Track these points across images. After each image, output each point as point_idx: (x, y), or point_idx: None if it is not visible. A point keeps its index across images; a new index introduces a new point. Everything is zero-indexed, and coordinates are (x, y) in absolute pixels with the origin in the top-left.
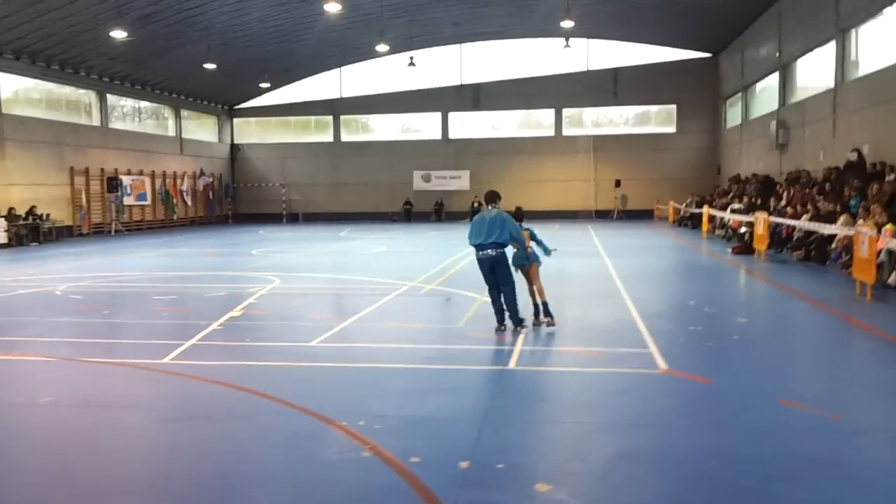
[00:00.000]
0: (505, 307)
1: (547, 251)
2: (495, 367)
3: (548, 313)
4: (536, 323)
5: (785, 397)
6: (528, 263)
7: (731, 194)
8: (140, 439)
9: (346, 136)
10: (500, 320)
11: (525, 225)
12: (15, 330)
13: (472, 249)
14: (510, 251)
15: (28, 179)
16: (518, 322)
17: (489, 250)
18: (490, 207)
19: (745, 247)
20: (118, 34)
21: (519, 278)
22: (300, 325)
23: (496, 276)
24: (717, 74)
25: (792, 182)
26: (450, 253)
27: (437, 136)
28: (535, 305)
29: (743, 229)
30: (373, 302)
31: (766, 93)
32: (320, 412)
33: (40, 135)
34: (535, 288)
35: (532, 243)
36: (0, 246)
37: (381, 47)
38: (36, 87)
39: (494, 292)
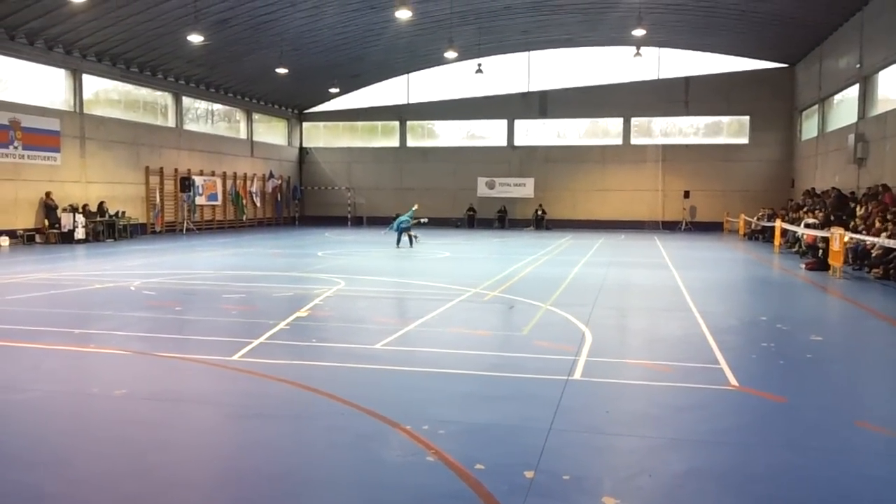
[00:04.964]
0: (409, 236)
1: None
2: (560, 376)
3: (414, 240)
4: (410, 245)
5: (863, 419)
6: (407, 227)
7: (805, 208)
8: (209, 434)
9: (411, 142)
10: (398, 243)
11: (406, 217)
12: (92, 323)
13: (533, 259)
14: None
15: (106, 178)
16: (411, 240)
17: (407, 225)
18: (400, 215)
19: (819, 263)
20: (195, 38)
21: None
22: (365, 327)
23: (408, 231)
24: (792, 85)
25: (871, 197)
26: (513, 260)
27: (503, 142)
28: (409, 238)
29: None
30: (436, 307)
31: (845, 105)
32: (385, 415)
33: (118, 134)
34: (409, 235)
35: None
36: (77, 241)
37: (450, 54)
38: (115, 88)
39: (400, 235)
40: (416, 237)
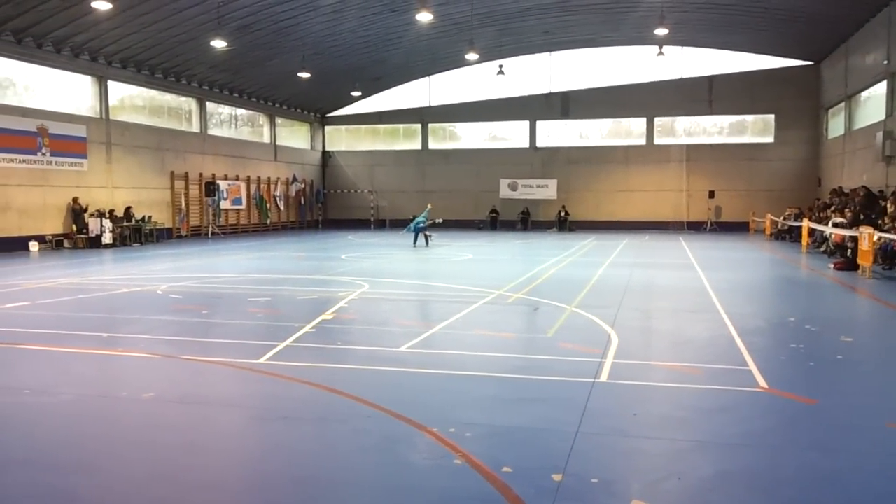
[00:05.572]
0: (424, 235)
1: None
2: (587, 379)
3: (429, 239)
4: (426, 245)
5: (894, 421)
6: (423, 227)
7: (832, 207)
8: (236, 437)
9: (433, 144)
10: (415, 243)
11: (422, 218)
12: (120, 327)
13: (557, 260)
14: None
15: (132, 183)
16: (427, 240)
17: (423, 225)
18: (416, 216)
19: (848, 262)
20: (218, 44)
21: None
22: (389, 330)
23: (423, 231)
24: (818, 83)
25: None
26: (537, 262)
27: (525, 144)
28: (425, 237)
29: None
30: (460, 309)
31: (872, 102)
32: (411, 418)
33: (143, 140)
34: (424, 234)
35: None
36: (105, 246)
37: (471, 56)
38: (140, 94)
39: (417, 235)
40: (430, 236)
